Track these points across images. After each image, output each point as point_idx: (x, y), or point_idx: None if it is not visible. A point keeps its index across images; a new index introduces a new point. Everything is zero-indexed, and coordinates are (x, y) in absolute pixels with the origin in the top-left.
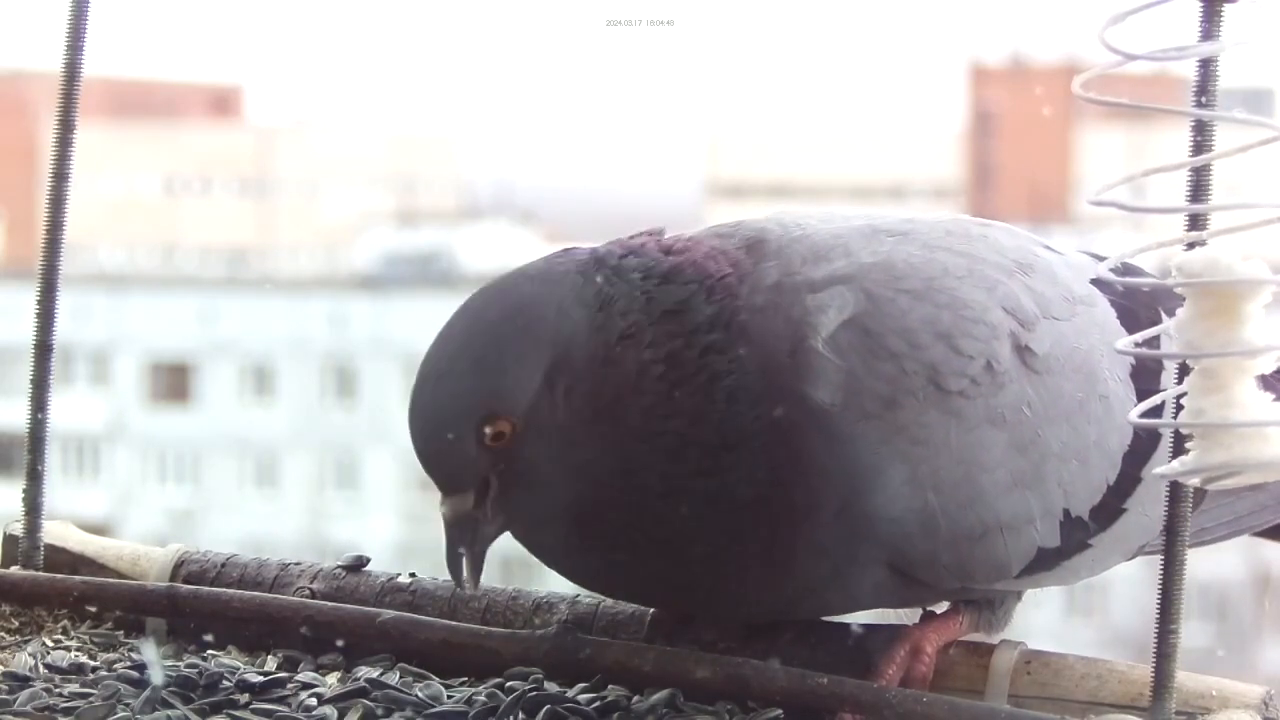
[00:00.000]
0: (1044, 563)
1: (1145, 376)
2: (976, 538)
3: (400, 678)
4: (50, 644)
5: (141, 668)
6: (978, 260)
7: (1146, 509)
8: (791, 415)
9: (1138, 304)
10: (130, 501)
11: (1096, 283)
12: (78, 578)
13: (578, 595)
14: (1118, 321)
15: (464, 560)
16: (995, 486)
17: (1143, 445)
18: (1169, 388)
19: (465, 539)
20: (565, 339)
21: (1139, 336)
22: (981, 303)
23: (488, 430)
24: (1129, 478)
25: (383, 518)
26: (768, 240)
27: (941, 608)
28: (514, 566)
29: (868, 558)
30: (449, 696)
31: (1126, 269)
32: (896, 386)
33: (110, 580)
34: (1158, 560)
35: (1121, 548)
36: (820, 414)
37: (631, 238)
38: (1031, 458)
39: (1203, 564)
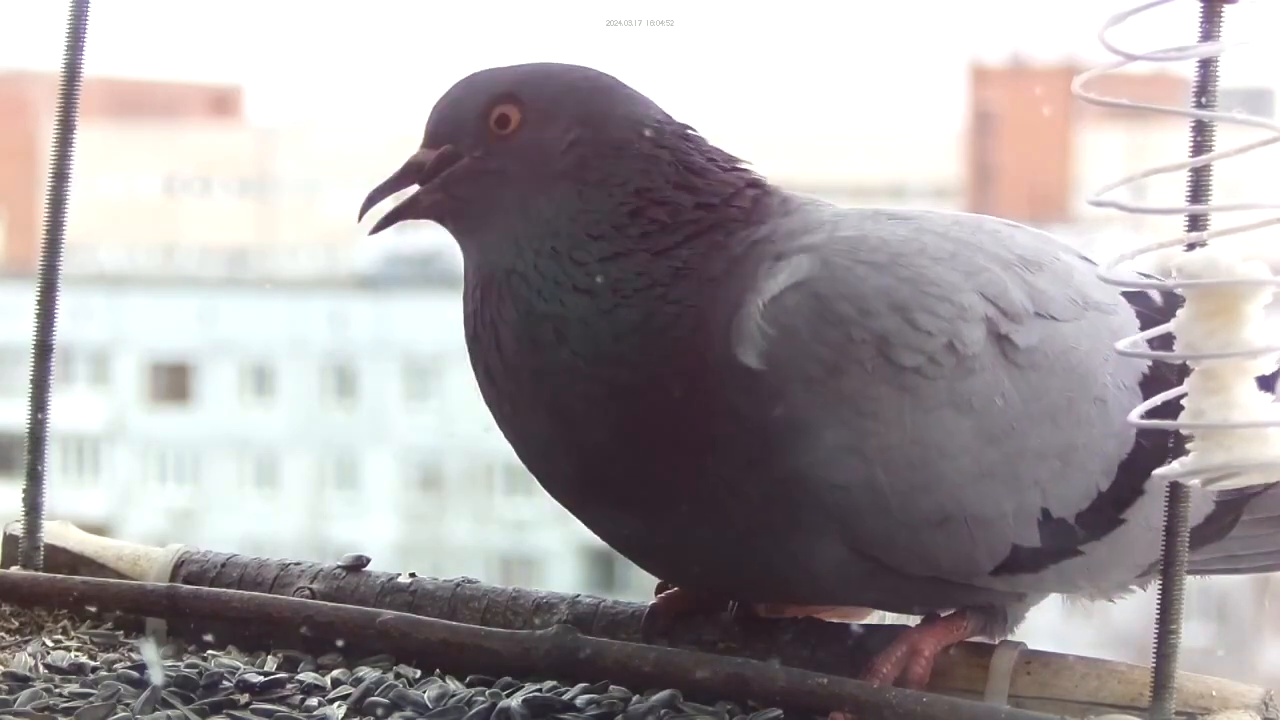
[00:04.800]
0: (1024, 563)
1: (1160, 385)
2: (936, 524)
3: (400, 678)
4: (50, 644)
5: (141, 668)
6: (969, 247)
7: (1153, 523)
8: (716, 367)
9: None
10: (130, 501)
11: (1137, 295)
12: (78, 578)
13: (578, 596)
14: (1139, 332)
15: (380, 205)
16: (958, 473)
17: (1148, 457)
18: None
19: (395, 183)
20: (612, 114)
21: (1139, 337)
22: (952, 283)
23: (497, 110)
24: (1129, 488)
25: (383, 518)
26: (791, 205)
27: (947, 611)
28: (514, 566)
29: (815, 527)
30: (449, 696)
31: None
32: (842, 353)
33: (110, 580)
34: None
35: (1125, 562)
36: (744, 372)
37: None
38: (1004, 450)
39: None
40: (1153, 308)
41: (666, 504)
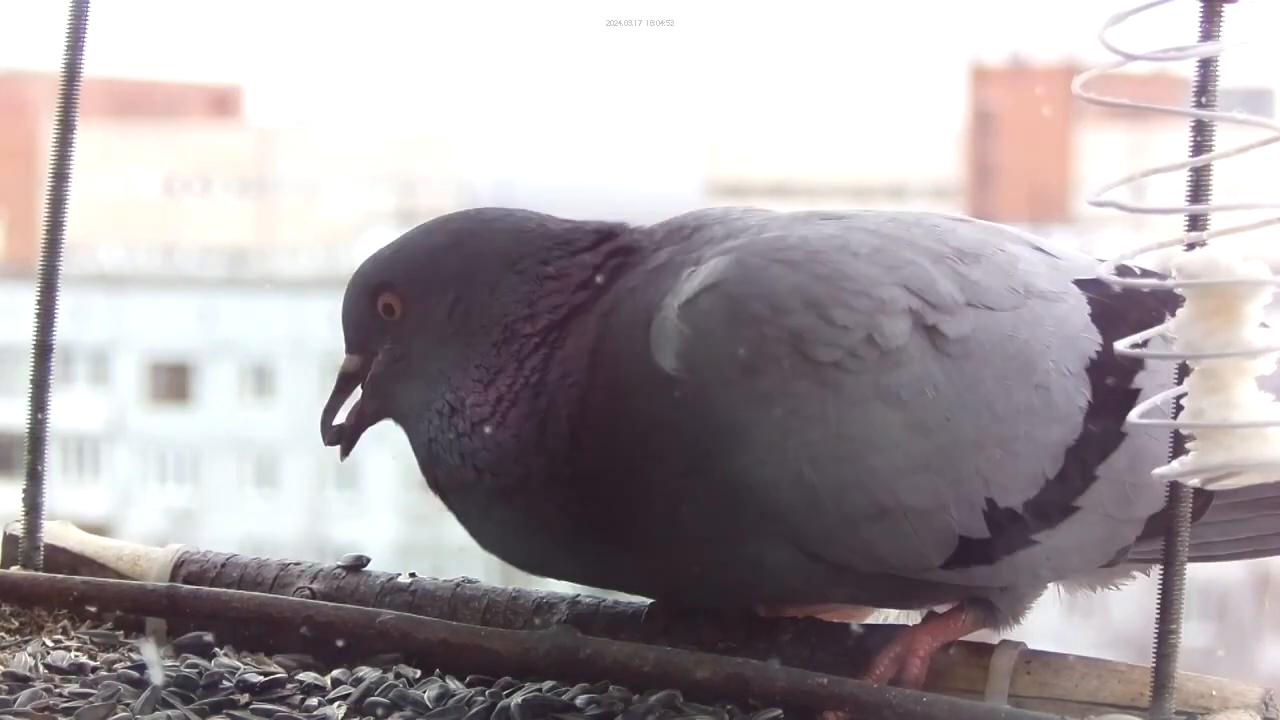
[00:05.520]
0: (977, 555)
1: (1117, 373)
2: (873, 518)
3: (400, 678)
4: (50, 644)
5: (141, 668)
6: (897, 242)
7: (1110, 509)
8: (639, 380)
9: (1130, 305)
10: (130, 501)
11: (1092, 283)
12: (78, 578)
13: (578, 595)
14: (1087, 319)
15: (335, 424)
16: (890, 467)
17: (1097, 443)
18: (1144, 384)
19: (337, 397)
20: (477, 260)
21: (1137, 337)
22: (870, 277)
23: (381, 302)
24: (1080, 475)
25: (383, 518)
26: (687, 225)
27: (945, 608)
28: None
29: (762, 530)
30: (449, 696)
31: (1124, 271)
32: (757, 352)
33: (110, 580)
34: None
35: (1085, 550)
36: (665, 379)
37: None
38: (938, 441)
39: (1202, 564)
40: (1109, 294)
41: (635, 528)
